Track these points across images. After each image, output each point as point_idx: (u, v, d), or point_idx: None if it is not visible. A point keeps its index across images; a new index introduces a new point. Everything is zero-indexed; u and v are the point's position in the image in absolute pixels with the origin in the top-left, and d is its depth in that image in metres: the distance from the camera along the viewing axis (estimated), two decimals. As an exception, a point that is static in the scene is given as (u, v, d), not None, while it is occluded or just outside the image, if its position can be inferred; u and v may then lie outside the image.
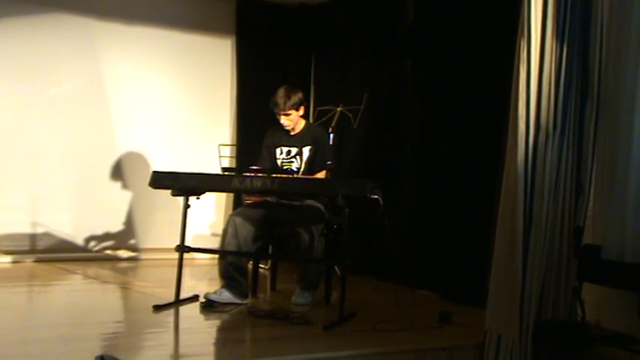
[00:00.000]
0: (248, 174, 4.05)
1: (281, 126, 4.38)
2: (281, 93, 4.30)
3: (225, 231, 4.19)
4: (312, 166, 4.39)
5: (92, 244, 5.84)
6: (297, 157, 4.43)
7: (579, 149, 3.36)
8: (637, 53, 3.22)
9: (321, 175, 4.36)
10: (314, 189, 4.02)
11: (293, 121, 4.36)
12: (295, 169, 4.39)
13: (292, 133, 4.43)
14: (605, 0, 3.35)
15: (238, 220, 4.16)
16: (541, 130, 3.23)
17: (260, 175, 4.01)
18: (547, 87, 3.24)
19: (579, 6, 3.29)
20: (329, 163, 4.37)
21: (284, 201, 4.40)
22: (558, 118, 3.25)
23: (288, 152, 4.44)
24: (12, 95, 5.62)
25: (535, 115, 3.23)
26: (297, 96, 4.32)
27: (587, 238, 3.38)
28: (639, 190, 3.20)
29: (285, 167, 4.42)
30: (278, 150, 4.47)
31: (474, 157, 4.50)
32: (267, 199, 4.39)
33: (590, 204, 3.41)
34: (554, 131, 3.24)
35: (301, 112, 4.39)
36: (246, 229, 4.14)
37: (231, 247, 4.12)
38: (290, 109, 4.29)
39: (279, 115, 4.32)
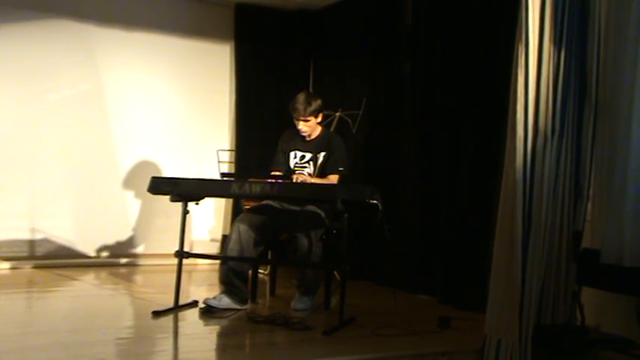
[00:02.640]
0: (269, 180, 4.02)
1: (297, 131, 4.39)
2: (301, 99, 4.31)
3: (228, 237, 4.19)
4: (324, 170, 4.40)
5: (91, 250, 5.84)
6: (311, 162, 4.43)
7: (578, 153, 3.36)
8: (634, 57, 3.22)
9: (333, 178, 4.37)
10: (312, 194, 4.02)
11: (310, 127, 4.37)
12: (307, 174, 4.39)
13: (308, 139, 4.44)
14: (602, 5, 3.37)
15: (242, 226, 4.16)
16: (539, 135, 3.24)
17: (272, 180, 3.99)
18: (545, 91, 3.24)
19: (576, 11, 3.30)
20: (341, 169, 4.38)
21: (285, 205, 4.40)
22: (556, 123, 3.26)
23: (302, 157, 4.45)
24: (12, 101, 5.63)
25: (533, 119, 3.24)
26: (317, 103, 4.34)
27: (586, 242, 3.38)
28: (638, 194, 3.20)
29: (297, 172, 4.42)
30: (292, 154, 4.48)
31: (472, 161, 4.51)
32: (271, 203, 4.40)
33: (589, 208, 3.42)
34: (552, 135, 3.25)
35: (319, 119, 4.41)
36: (248, 235, 4.14)
37: (234, 253, 4.12)
38: (309, 116, 4.31)
39: (298, 120, 4.33)
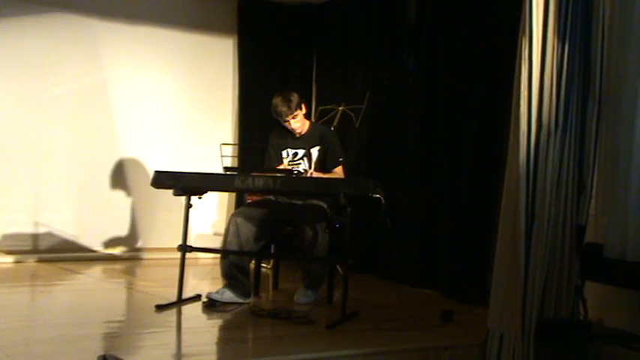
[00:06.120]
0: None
1: (287, 130, 4.36)
2: (279, 100, 4.27)
3: (226, 231, 4.18)
4: (324, 165, 4.38)
5: (95, 243, 5.84)
6: (305, 158, 4.41)
7: (581, 147, 3.35)
8: (638, 50, 3.21)
9: (339, 171, 4.36)
10: (316, 188, 4.02)
11: (301, 121, 4.36)
12: (302, 171, 4.38)
13: (298, 135, 4.42)
14: (607, -2, 3.35)
15: (239, 219, 4.15)
16: (543, 129, 3.23)
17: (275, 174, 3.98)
18: (549, 85, 3.24)
19: (581, 4, 3.29)
20: (340, 159, 4.37)
21: (287, 199, 4.40)
22: (560, 117, 3.25)
23: (295, 154, 4.43)
24: (14, 95, 5.63)
25: (537, 113, 3.23)
26: (295, 96, 4.31)
27: (589, 237, 3.38)
28: (641, 188, 3.19)
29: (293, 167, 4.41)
30: (284, 152, 4.45)
31: (476, 155, 4.50)
32: (270, 197, 4.39)
33: (592, 202, 3.41)
34: (555, 129, 3.24)
35: (304, 110, 4.39)
36: (248, 229, 4.13)
37: (233, 247, 4.12)
38: (296, 110, 4.29)
39: (287, 121, 4.31)
